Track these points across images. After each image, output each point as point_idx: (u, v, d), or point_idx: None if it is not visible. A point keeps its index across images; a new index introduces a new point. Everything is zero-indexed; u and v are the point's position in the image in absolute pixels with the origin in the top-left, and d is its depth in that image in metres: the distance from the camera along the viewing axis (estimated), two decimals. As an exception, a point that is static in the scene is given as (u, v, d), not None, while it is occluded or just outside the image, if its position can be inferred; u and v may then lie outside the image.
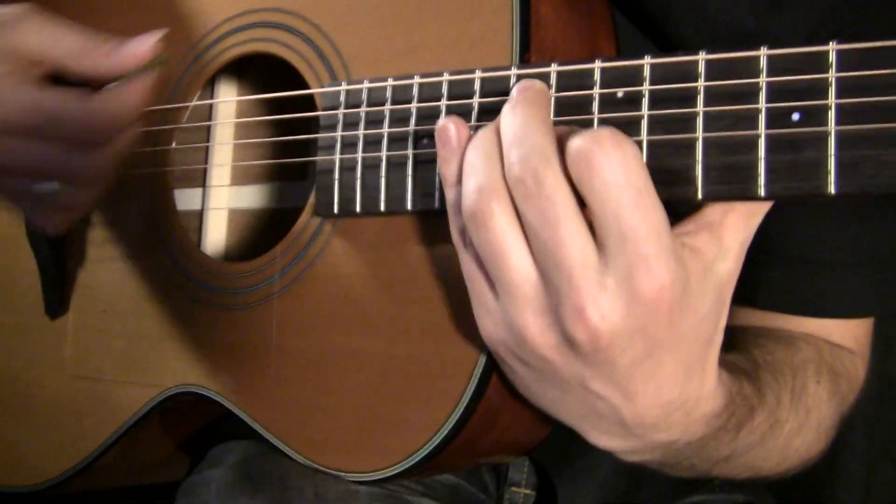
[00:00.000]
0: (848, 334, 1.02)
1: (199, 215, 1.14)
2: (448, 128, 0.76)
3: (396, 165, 0.85)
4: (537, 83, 0.75)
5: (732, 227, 0.73)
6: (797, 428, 0.90)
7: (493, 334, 0.75)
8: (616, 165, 0.66)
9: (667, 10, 0.94)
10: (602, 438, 0.79)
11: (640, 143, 0.73)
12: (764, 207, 0.74)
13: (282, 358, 0.94)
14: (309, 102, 0.94)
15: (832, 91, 0.67)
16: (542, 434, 0.92)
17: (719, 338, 0.76)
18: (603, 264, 0.67)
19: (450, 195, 0.76)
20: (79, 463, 1.09)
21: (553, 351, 0.71)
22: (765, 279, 0.98)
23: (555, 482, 1.04)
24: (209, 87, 1.13)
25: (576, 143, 0.67)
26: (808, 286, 0.98)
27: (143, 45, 0.95)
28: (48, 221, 1.02)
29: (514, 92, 0.73)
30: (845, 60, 0.67)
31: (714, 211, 0.73)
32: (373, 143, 0.87)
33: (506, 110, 0.72)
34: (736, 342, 0.95)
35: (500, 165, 0.71)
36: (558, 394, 0.76)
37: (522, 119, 0.71)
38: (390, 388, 0.87)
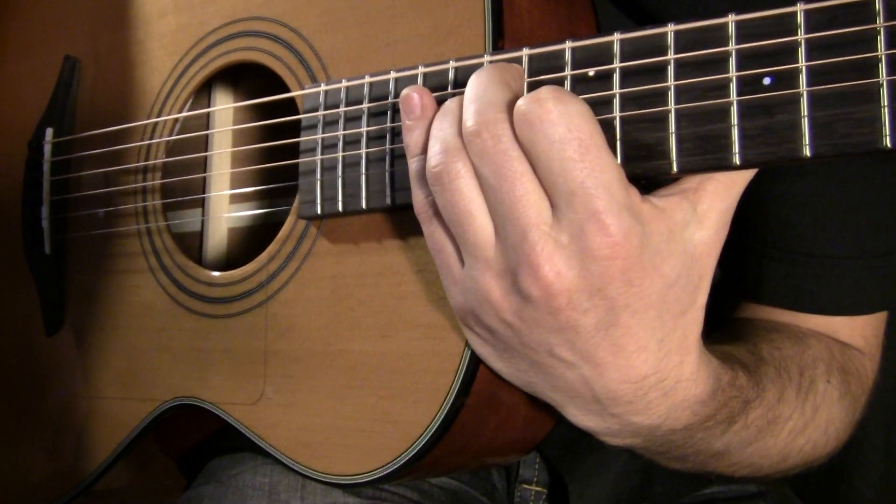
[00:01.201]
0: (856, 333, 0.98)
1: (200, 235, 1.14)
2: (412, 96, 0.75)
3: (375, 162, 0.84)
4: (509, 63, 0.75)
5: (710, 195, 0.71)
6: (802, 426, 0.88)
7: (461, 304, 0.75)
8: (557, 121, 0.66)
9: (664, 6, 0.93)
10: (580, 416, 0.77)
11: (612, 120, 0.72)
12: (744, 177, 0.72)
13: (273, 362, 0.93)
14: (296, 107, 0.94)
15: (802, 52, 0.65)
16: (543, 429, 0.91)
17: (697, 314, 0.73)
18: (556, 221, 0.67)
19: (413, 165, 0.76)
20: (79, 483, 1.09)
21: (516, 315, 0.71)
22: (768, 274, 0.96)
23: (566, 479, 1.01)
24: (206, 96, 1.14)
25: (519, 105, 0.67)
26: (811, 281, 0.95)
27: None
28: None
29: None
30: (814, 20, 0.65)
31: (691, 179, 0.72)
32: (352, 143, 0.86)
33: (471, 76, 0.73)
34: (743, 335, 0.93)
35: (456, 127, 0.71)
36: (527, 366, 0.75)
37: (485, 79, 0.71)
38: (379, 386, 0.86)
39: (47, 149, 1.18)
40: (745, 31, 0.68)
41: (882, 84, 0.63)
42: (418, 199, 0.75)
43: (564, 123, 0.66)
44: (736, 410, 0.80)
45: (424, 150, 0.74)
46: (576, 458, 1.02)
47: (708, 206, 0.71)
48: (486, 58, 0.79)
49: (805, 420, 0.88)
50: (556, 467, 1.03)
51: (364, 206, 0.85)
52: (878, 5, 0.63)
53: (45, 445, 1.15)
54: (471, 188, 0.70)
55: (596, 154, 0.66)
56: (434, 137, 0.72)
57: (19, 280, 1.18)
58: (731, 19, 0.68)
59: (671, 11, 0.92)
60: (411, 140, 0.76)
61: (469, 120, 0.69)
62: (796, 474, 0.92)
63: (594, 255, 0.66)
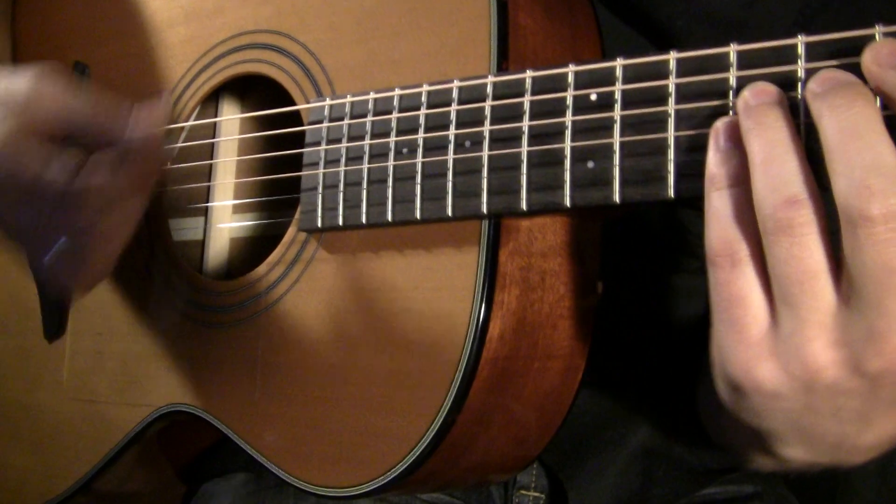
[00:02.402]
0: None
1: (202, 244, 1.15)
2: (770, 91, 0.66)
3: (377, 178, 0.85)
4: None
5: None
6: None
7: (752, 370, 0.68)
8: None
9: (657, 3, 0.93)
10: (794, 453, 0.75)
11: (611, 145, 0.73)
12: None
13: (268, 373, 0.94)
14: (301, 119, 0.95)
15: (800, 81, 0.66)
16: (537, 447, 0.91)
17: None
18: None
19: (725, 197, 0.67)
20: (73, 484, 1.09)
21: (828, 387, 0.66)
22: None
23: (565, 484, 1.01)
24: (213, 106, 1.14)
25: None
26: None
27: (157, 110, 0.93)
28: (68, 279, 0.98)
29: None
30: (813, 52, 0.66)
31: None
32: (355, 158, 0.87)
33: (835, 124, 0.62)
34: None
35: (805, 163, 0.63)
36: (788, 419, 0.71)
37: (866, 136, 0.61)
38: (372, 400, 0.86)
39: (53, 153, 1.19)
40: (745, 60, 0.69)
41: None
42: (721, 238, 0.67)
43: None
44: None
45: (738, 182, 0.66)
46: (574, 463, 1.03)
47: None
48: (490, 79, 0.80)
49: None
50: (554, 473, 1.03)
51: (364, 221, 0.86)
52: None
53: (41, 447, 1.15)
54: (820, 245, 0.63)
55: None
56: (772, 172, 0.64)
57: (24, 284, 1.19)
58: (732, 49, 0.69)
59: (664, 7, 0.94)
60: (728, 162, 0.67)
61: (857, 198, 0.60)
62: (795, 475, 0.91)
63: None
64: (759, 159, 0.64)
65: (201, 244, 1.15)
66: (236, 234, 1.15)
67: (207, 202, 1.14)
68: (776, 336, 0.66)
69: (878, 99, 0.62)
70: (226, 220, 1.14)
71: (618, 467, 1.03)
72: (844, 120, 0.61)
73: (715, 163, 0.67)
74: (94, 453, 1.08)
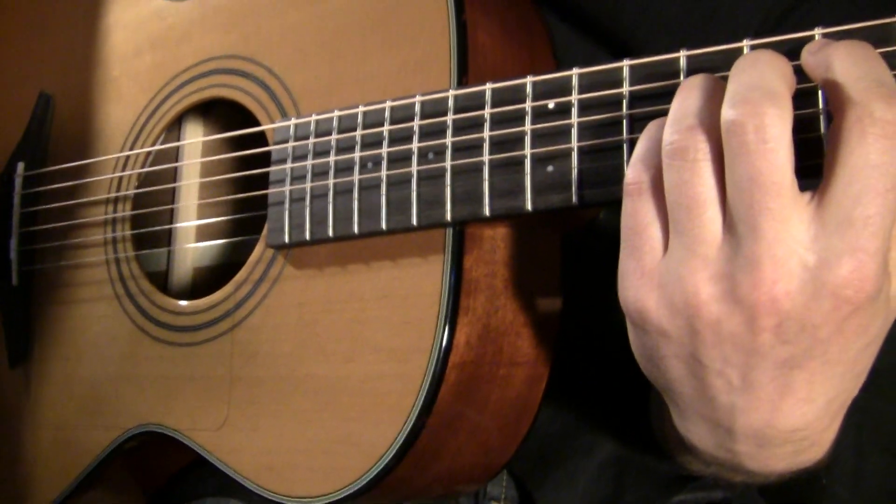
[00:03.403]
0: None
1: (165, 274, 1.16)
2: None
3: (343, 192, 0.87)
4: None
5: None
6: None
7: (641, 296, 0.67)
8: (888, 150, 0.58)
9: (617, 14, 0.95)
10: (694, 432, 0.73)
11: (570, 150, 0.75)
12: None
13: (238, 387, 0.95)
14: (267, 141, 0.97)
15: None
16: (505, 454, 0.93)
17: (864, 379, 0.69)
18: (813, 240, 0.61)
19: (650, 131, 0.68)
20: (42, 511, 1.09)
21: (711, 325, 0.64)
22: None
23: (534, 494, 1.02)
24: (176, 131, 1.16)
25: (853, 107, 0.59)
26: None
27: None
28: None
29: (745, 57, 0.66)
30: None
31: None
32: (321, 174, 0.89)
33: (742, 59, 0.64)
34: None
35: (719, 108, 0.63)
36: (681, 375, 0.69)
37: (762, 64, 0.63)
38: (342, 409, 0.88)
39: (18, 182, 1.20)
40: (695, 65, 0.72)
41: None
42: (635, 168, 0.67)
43: (890, 159, 0.59)
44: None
45: (660, 122, 0.67)
46: (544, 472, 1.03)
47: None
48: (451, 92, 0.83)
49: None
50: (524, 482, 1.04)
51: (331, 234, 0.88)
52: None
53: (7, 475, 1.15)
54: (712, 175, 0.63)
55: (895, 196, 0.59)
56: (681, 108, 0.65)
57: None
58: (682, 55, 0.72)
59: (623, 19, 0.96)
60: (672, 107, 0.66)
61: (733, 105, 0.60)
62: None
63: (834, 292, 0.60)
64: (676, 99, 0.66)
65: (164, 273, 1.16)
66: (199, 262, 1.16)
67: (172, 225, 1.15)
68: (665, 266, 0.66)
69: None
70: (189, 245, 1.16)
71: (588, 475, 1.03)
72: (752, 54, 0.65)
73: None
74: (64, 477, 1.08)
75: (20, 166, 1.20)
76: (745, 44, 0.70)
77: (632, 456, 1.04)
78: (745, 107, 0.60)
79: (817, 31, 0.68)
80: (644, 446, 1.04)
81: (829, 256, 0.60)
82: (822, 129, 0.66)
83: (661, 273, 0.66)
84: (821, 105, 0.66)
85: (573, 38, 1.00)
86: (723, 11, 0.93)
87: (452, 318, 0.82)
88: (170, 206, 1.15)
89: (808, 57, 0.65)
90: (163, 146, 1.11)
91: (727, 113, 0.61)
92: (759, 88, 0.61)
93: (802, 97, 0.66)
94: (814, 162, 0.65)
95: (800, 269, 0.61)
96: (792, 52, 0.67)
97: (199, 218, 1.15)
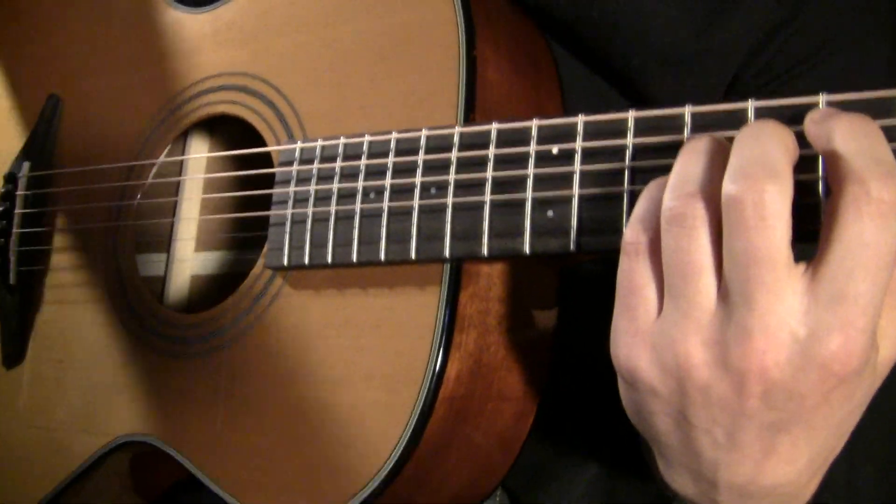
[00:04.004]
0: None
1: (163, 280, 1.17)
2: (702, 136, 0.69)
3: (344, 219, 0.88)
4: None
5: (889, 308, 0.66)
6: None
7: (633, 355, 0.69)
8: (881, 229, 0.60)
9: (611, 44, 0.96)
10: (677, 480, 0.74)
11: (571, 197, 0.76)
12: None
13: (230, 405, 0.96)
14: (272, 161, 0.98)
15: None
16: (490, 484, 0.94)
17: (846, 438, 0.70)
18: (804, 313, 0.62)
19: (650, 191, 0.69)
20: (28, 510, 1.10)
21: (701, 389, 0.66)
22: None
23: None
24: (181, 143, 1.17)
25: (851, 184, 0.60)
26: None
27: None
28: None
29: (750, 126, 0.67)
30: (760, 115, 0.70)
31: None
32: (323, 199, 0.90)
33: (749, 127, 0.66)
34: None
35: (721, 176, 0.64)
36: (668, 429, 0.71)
37: (767, 134, 0.64)
38: (331, 434, 0.88)
39: (22, 182, 1.20)
40: (699, 122, 0.73)
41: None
42: (633, 228, 0.69)
43: (888, 234, 0.60)
44: None
45: (660, 185, 0.68)
46: (537, 487, 1.04)
47: (887, 320, 0.66)
48: (457, 129, 0.84)
49: None
50: (517, 497, 1.05)
51: (329, 260, 0.88)
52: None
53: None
54: (709, 243, 0.64)
55: (887, 274, 0.61)
56: (683, 173, 0.66)
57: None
58: (687, 110, 0.73)
59: (617, 46, 0.96)
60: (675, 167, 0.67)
61: (734, 180, 0.62)
62: None
63: (822, 366, 0.62)
64: (679, 161, 0.67)
65: (162, 280, 1.17)
66: (197, 271, 1.17)
67: (171, 238, 1.16)
68: (659, 328, 0.67)
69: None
70: (188, 257, 1.16)
71: (580, 490, 1.04)
72: (755, 125, 0.66)
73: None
74: (50, 480, 1.08)
75: (26, 166, 1.21)
76: (750, 104, 0.71)
77: (623, 472, 1.04)
78: (746, 182, 0.61)
79: (821, 98, 0.69)
80: (635, 469, 1.05)
81: (819, 330, 0.62)
82: (822, 195, 0.67)
83: (655, 334, 0.68)
84: (821, 172, 0.67)
85: (566, 59, 1.00)
86: (715, 43, 0.94)
87: (444, 353, 0.83)
88: (170, 220, 1.16)
89: (810, 126, 0.66)
90: (168, 159, 1.12)
91: (728, 187, 0.62)
92: (761, 164, 0.62)
93: (804, 162, 0.67)
94: (812, 227, 0.66)
95: (790, 340, 0.62)
96: (796, 116, 0.68)
97: (200, 231, 1.16)
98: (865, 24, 0.95)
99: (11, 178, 1.21)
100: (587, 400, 1.04)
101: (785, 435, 0.66)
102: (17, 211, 1.20)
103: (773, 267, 0.62)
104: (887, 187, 0.59)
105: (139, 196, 1.11)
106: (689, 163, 0.67)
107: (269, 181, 0.96)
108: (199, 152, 1.17)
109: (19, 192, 1.20)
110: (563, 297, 0.94)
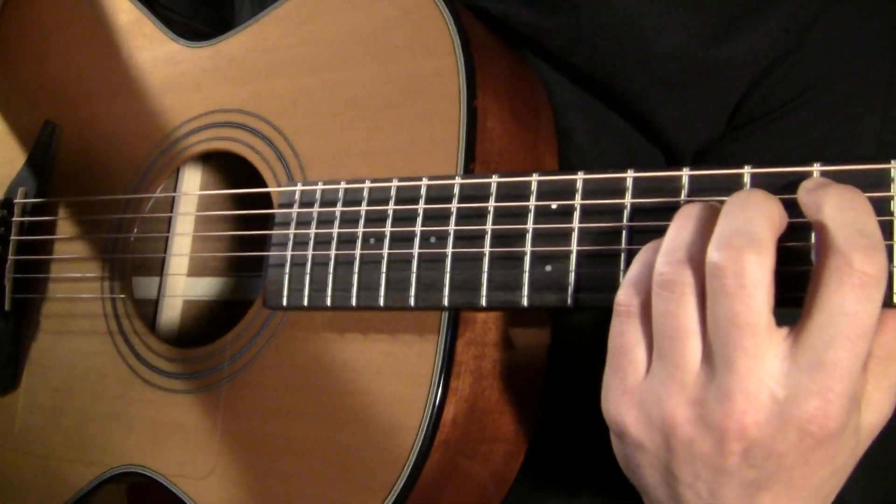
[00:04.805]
0: None
1: (155, 303, 1.18)
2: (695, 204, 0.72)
3: (344, 264, 0.90)
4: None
5: (875, 374, 0.69)
6: None
7: (621, 414, 0.72)
8: (862, 300, 0.63)
9: (614, 68, 0.98)
10: None
11: (569, 253, 0.78)
12: None
13: (226, 441, 0.97)
14: (267, 200, 0.99)
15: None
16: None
17: (832, 499, 0.73)
18: (784, 376, 0.65)
19: (645, 254, 0.72)
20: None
21: (684, 444, 0.69)
22: None
23: None
24: (174, 177, 1.18)
25: (835, 254, 0.63)
26: None
27: None
28: None
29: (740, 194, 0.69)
30: (756, 181, 0.72)
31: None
32: (323, 243, 0.91)
33: (736, 196, 0.68)
34: None
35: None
36: (655, 482, 0.74)
37: (754, 206, 0.67)
38: (328, 475, 0.90)
39: (17, 208, 1.21)
40: (696, 185, 0.75)
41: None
42: (626, 291, 0.72)
43: (867, 305, 0.63)
44: None
45: (654, 249, 0.71)
46: None
47: (873, 386, 0.69)
48: (458, 180, 0.85)
49: None
50: None
51: (329, 304, 0.90)
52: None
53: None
54: (696, 309, 0.68)
55: (867, 343, 0.64)
56: (675, 239, 0.69)
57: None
58: (685, 173, 0.75)
59: (622, 70, 0.97)
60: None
61: (718, 248, 0.65)
62: None
63: (800, 427, 0.65)
64: (672, 227, 0.70)
65: (154, 303, 1.18)
66: (190, 297, 1.18)
67: (163, 269, 1.17)
68: (647, 386, 0.71)
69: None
70: (179, 288, 1.18)
71: None
72: (743, 194, 0.68)
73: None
74: (43, 510, 1.10)
75: (21, 192, 1.21)
76: (746, 171, 0.73)
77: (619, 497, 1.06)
78: (728, 252, 0.64)
79: (816, 168, 0.71)
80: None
81: (798, 393, 0.65)
82: (814, 262, 0.70)
83: (642, 392, 0.71)
84: (813, 240, 0.70)
85: (566, 86, 1.02)
86: (721, 68, 0.95)
87: (441, 399, 0.85)
88: (163, 255, 1.17)
89: (803, 195, 0.68)
90: (165, 194, 1.13)
91: (711, 255, 0.65)
92: (744, 234, 0.65)
93: (798, 230, 0.70)
94: (798, 294, 0.69)
95: (769, 401, 0.65)
96: (791, 185, 0.71)
97: (192, 267, 1.17)
98: (866, 53, 0.96)
99: (7, 203, 1.22)
100: (578, 438, 1.06)
101: (766, 492, 0.69)
102: (13, 237, 1.20)
103: (753, 332, 0.65)
104: (870, 260, 0.62)
105: (135, 230, 1.12)
106: (682, 229, 0.69)
107: (263, 221, 0.97)
108: (192, 184, 1.18)
109: (15, 219, 1.21)
110: (556, 341, 0.96)
